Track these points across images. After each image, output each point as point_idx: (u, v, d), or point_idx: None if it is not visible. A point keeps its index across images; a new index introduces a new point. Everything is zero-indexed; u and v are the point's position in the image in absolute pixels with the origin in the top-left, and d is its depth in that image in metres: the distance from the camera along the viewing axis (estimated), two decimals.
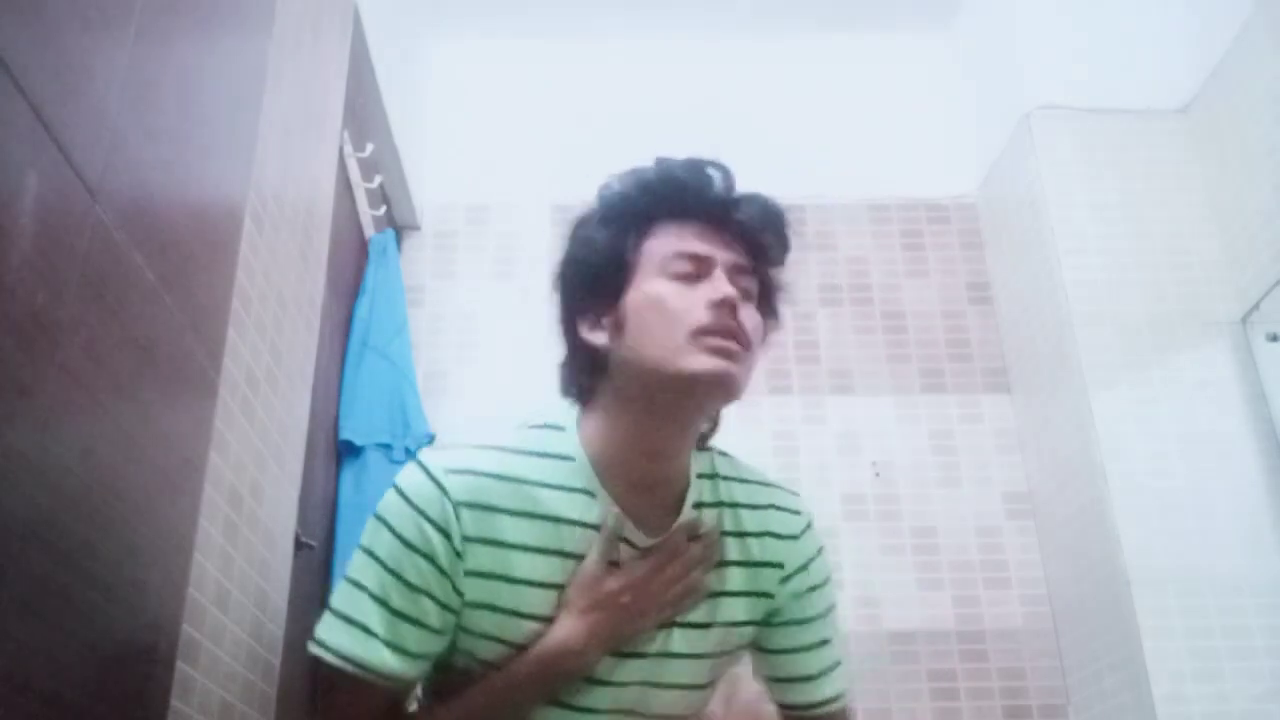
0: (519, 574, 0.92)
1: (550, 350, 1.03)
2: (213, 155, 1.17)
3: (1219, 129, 2.35)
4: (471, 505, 0.92)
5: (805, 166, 2.74)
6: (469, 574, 0.91)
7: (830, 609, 1.06)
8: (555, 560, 0.93)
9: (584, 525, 0.94)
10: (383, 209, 2.39)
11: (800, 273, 2.68)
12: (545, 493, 0.94)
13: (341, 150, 2.01)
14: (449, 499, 0.91)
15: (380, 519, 0.93)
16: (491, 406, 2.48)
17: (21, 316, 0.76)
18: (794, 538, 1.04)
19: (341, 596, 0.93)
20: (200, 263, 1.13)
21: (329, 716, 0.94)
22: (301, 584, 1.61)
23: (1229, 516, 2.09)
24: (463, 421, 2.47)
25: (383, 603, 0.90)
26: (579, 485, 0.95)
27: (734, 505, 1.02)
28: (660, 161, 0.99)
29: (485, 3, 2.85)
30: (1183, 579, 2.04)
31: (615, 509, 0.94)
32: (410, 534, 0.91)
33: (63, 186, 0.82)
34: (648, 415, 0.95)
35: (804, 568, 1.04)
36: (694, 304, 0.92)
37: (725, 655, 1.01)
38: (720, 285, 0.92)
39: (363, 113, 2.23)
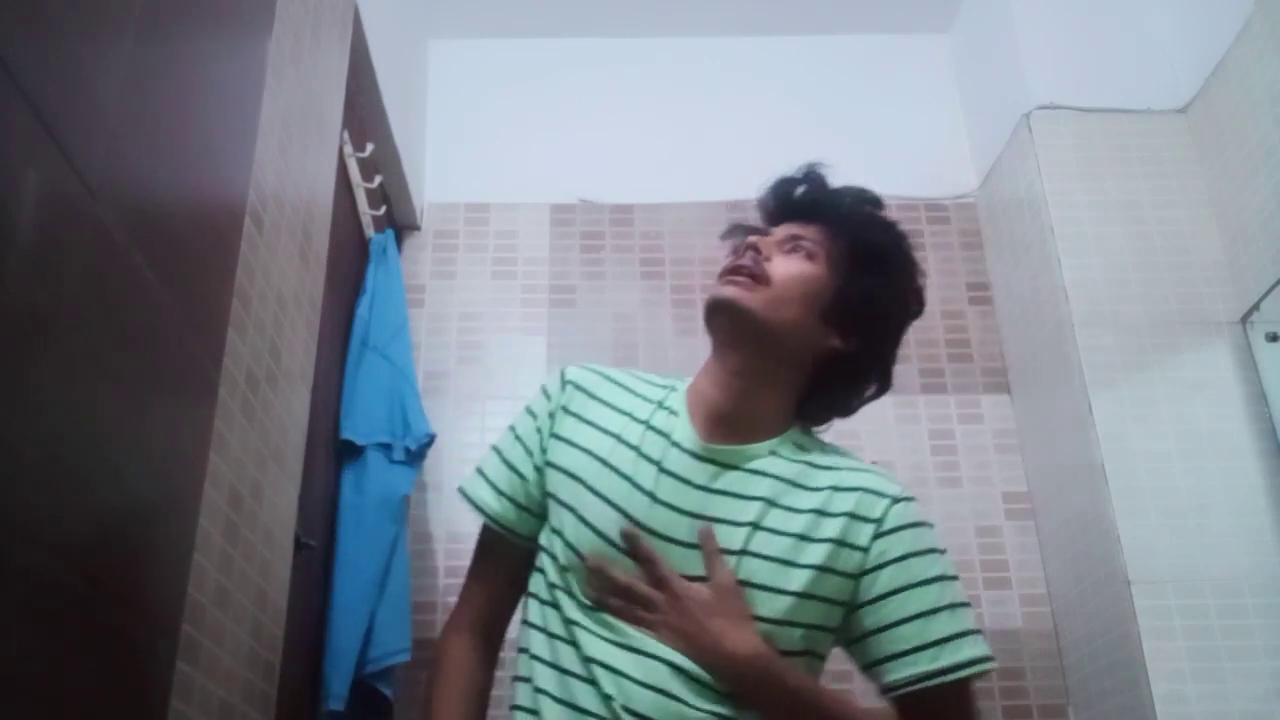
0: (580, 441, 1.12)
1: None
2: (213, 155, 1.17)
3: (1219, 129, 2.35)
4: (579, 388, 1.16)
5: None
6: (554, 436, 1.13)
7: (926, 582, 1.05)
8: (608, 440, 1.10)
9: (647, 426, 1.11)
10: (383, 209, 2.39)
11: None
12: (635, 399, 1.15)
13: (341, 150, 2.00)
14: (564, 378, 1.18)
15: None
16: (491, 406, 2.49)
17: (21, 316, 0.76)
18: (876, 521, 1.05)
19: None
20: (200, 263, 1.13)
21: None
22: (301, 584, 1.61)
23: (1229, 516, 2.09)
24: (462, 420, 2.47)
25: (498, 451, 1.18)
26: (668, 404, 1.13)
27: (824, 468, 1.10)
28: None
29: (485, 3, 2.85)
30: (1182, 579, 2.04)
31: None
32: (532, 403, 1.18)
33: (63, 186, 0.82)
34: (712, 350, 1.15)
35: (889, 544, 1.05)
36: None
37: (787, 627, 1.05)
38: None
39: (363, 113, 2.23)
